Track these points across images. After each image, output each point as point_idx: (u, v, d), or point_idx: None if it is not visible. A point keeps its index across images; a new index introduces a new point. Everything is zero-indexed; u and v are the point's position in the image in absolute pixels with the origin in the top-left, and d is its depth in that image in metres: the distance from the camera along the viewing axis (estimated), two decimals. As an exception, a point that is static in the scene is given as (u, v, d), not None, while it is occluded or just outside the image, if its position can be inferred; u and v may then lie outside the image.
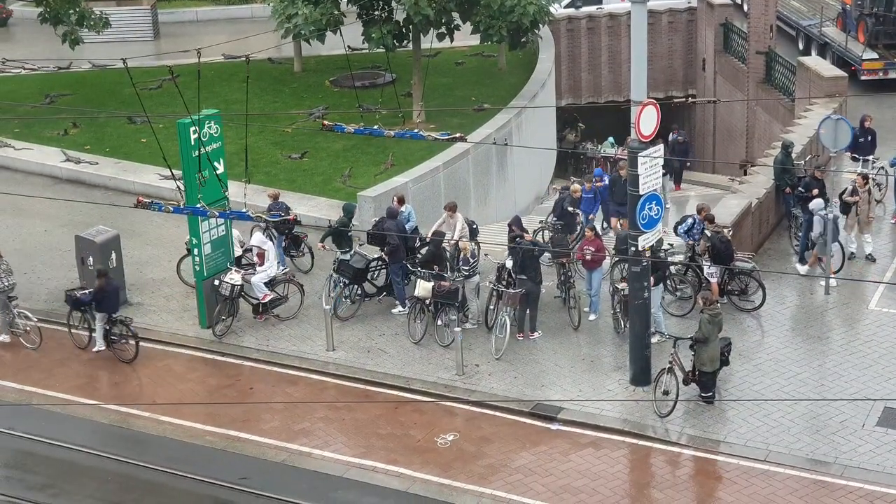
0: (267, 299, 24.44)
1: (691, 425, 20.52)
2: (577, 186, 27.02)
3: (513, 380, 22.12)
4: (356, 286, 24.72)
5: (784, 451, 19.71)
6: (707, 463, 19.75)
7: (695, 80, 46.19)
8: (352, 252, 24.75)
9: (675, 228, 25.14)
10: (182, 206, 22.42)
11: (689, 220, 24.77)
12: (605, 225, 28.02)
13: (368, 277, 24.96)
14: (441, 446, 20.46)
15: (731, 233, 24.74)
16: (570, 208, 26.48)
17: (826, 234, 24.82)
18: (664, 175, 29.16)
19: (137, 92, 25.32)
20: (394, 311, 24.73)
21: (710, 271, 23.92)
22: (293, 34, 33.96)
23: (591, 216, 27.06)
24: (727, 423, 20.53)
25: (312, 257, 26.49)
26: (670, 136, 33.39)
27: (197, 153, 23.34)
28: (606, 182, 27.95)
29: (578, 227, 26.37)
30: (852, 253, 26.34)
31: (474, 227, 25.60)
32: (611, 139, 39.49)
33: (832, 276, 24.97)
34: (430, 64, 34.00)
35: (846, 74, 35.05)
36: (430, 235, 24.75)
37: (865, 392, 21.10)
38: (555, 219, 26.60)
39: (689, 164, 32.74)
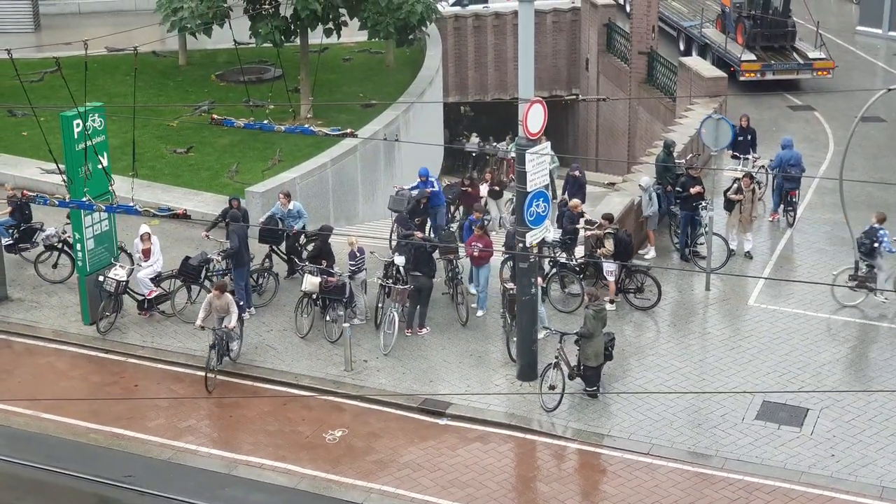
0: (152, 295, 24.15)
1: (576, 419, 20.83)
2: (576, 201, 26.27)
3: (401, 375, 22.21)
4: (195, 285, 24.07)
5: (666, 444, 20.10)
6: (591, 456, 20.05)
7: (578, 79, 46.81)
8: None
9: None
10: (67, 200, 22.04)
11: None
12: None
13: (207, 276, 24.08)
14: (329, 442, 20.46)
15: (628, 233, 25.07)
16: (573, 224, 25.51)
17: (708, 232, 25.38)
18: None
19: (23, 84, 24.78)
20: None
21: (610, 269, 24.28)
22: (179, 27, 33.58)
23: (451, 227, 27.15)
24: (611, 417, 20.88)
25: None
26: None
27: (83, 146, 22.92)
28: (435, 185, 27.70)
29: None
30: (732, 250, 26.94)
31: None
32: None
33: (713, 271, 25.58)
34: (317, 60, 33.91)
35: (726, 75, 35.95)
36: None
37: (745, 386, 21.63)
38: (560, 235, 25.52)
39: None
